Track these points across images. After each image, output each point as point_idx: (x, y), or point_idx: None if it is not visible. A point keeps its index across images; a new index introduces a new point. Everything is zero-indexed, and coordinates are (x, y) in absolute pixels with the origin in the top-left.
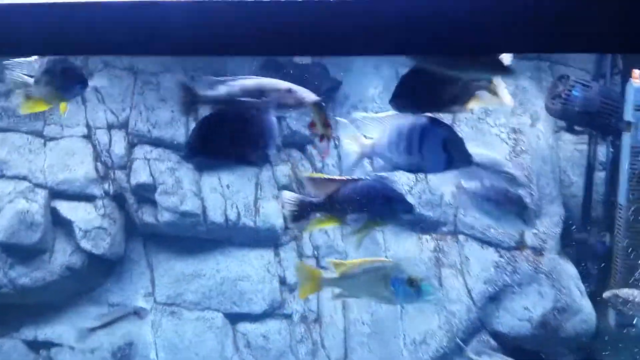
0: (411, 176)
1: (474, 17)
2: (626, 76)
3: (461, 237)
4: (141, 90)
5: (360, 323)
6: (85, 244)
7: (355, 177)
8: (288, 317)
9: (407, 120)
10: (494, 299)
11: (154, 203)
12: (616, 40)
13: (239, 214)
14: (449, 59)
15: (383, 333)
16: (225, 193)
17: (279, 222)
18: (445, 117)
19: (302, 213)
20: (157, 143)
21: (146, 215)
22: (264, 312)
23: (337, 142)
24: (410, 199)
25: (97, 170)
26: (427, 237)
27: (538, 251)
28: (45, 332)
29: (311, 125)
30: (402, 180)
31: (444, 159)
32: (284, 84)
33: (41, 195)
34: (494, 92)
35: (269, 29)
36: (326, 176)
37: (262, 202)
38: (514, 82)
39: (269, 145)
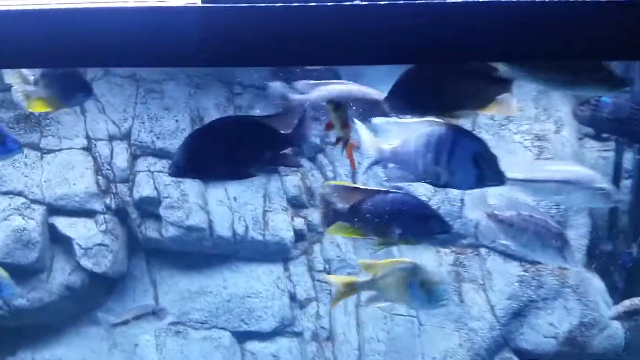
0: (429, 186)
1: (494, 25)
2: None
3: (482, 250)
4: (144, 99)
5: (375, 341)
6: (86, 262)
7: (384, 188)
8: (299, 335)
9: (435, 128)
10: (518, 315)
11: (158, 217)
12: None
13: (246, 227)
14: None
15: (400, 352)
16: (233, 206)
17: (288, 235)
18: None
19: (327, 218)
20: (161, 154)
21: (150, 231)
22: (274, 330)
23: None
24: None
25: (97, 184)
26: (446, 250)
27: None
28: (43, 356)
29: (327, 126)
30: (420, 190)
31: (474, 176)
32: (373, 91)
33: (38, 211)
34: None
35: (279, 38)
36: (353, 185)
37: (271, 214)
38: (536, 87)
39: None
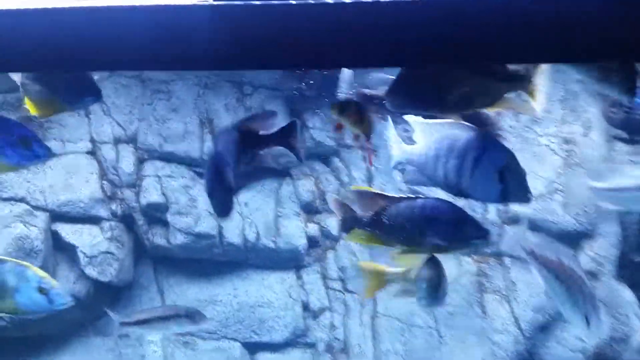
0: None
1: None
2: None
3: (507, 260)
4: (150, 100)
5: (392, 353)
6: (91, 271)
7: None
8: (312, 346)
9: (462, 132)
10: (544, 328)
11: (165, 224)
12: None
13: (257, 233)
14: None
15: None
16: (243, 211)
17: (301, 242)
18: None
19: (346, 225)
20: (169, 158)
21: (157, 238)
22: (286, 341)
23: (365, 154)
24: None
25: (103, 189)
26: (468, 259)
27: (593, 275)
28: None
29: (337, 126)
30: (439, 195)
31: (497, 191)
32: None
33: (41, 218)
34: (531, 95)
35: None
36: (376, 190)
37: (283, 220)
38: (563, 87)
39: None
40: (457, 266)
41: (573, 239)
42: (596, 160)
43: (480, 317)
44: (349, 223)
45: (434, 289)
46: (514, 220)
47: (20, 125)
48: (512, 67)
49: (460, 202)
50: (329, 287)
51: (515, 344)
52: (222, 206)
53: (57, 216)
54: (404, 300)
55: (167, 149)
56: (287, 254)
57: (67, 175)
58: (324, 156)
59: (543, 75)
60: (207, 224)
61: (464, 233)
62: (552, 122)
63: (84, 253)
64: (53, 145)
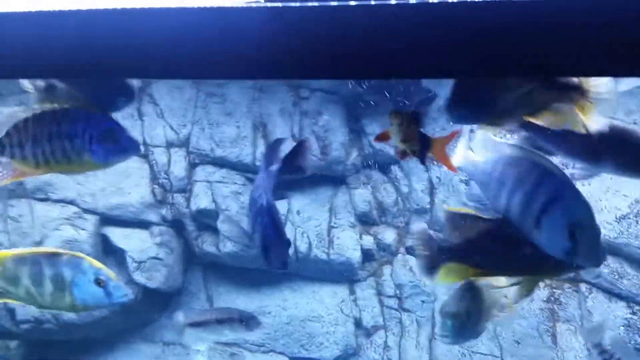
0: None
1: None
2: None
3: (583, 286)
4: (204, 103)
5: None
6: (139, 276)
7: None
8: None
9: (535, 165)
10: None
11: (215, 231)
12: None
13: (310, 244)
14: None
15: None
16: (295, 220)
17: (355, 255)
18: None
19: (434, 260)
20: (221, 163)
21: (207, 245)
22: (336, 358)
23: (427, 164)
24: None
25: (153, 193)
26: (540, 283)
27: None
28: None
29: (379, 138)
30: None
31: (564, 248)
32: None
33: (90, 221)
34: (581, 110)
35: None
36: (472, 211)
37: (337, 231)
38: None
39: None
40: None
41: None
42: None
43: (550, 347)
44: (438, 259)
45: (462, 324)
46: None
47: (107, 117)
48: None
49: None
50: (384, 305)
51: None
52: (281, 260)
53: (107, 220)
54: None
55: (219, 153)
56: (340, 266)
57: (118, 178)
58: (383, 164)
59: (601, 89)
60: None
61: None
62: None
63: (133, 258)
64: None
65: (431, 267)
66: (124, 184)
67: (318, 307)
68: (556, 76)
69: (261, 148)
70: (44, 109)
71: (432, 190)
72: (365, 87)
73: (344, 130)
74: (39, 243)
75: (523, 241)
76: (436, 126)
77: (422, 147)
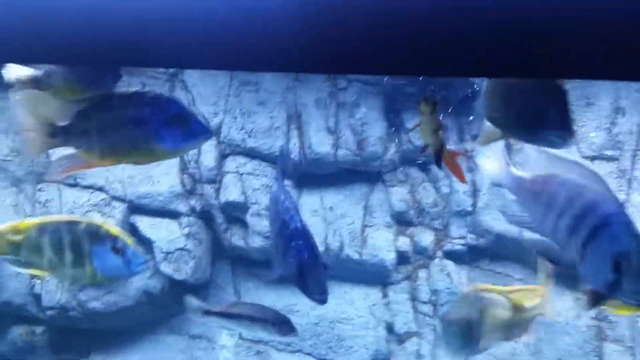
0: None
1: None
2: None
3: None
4: (237, 91)
5: None
6: (166, 268)
7: None
8: None
9: (588, 188)
10: None
11: (244, 224)
12: None
13: (342, 243)
14: None
15: None
16: (328, 217)
17: (390, 257)
18: None
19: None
20: (252, 154)
21: (235, 238)
22: None
23: (471, 162)
24: None
25: (183, 183)
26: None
27: None
28: None
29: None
30: None
31: (608, 280)
32: None
33: (119, 209)
34: None
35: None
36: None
37: (371, 230)
38: None
39: None
40: (573, 306)
41: None
42: None
43: None
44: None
45: (466, 334)
46: None
47: (175, 100)
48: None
49: None
50: (418, 310)
51: None
52: (321, 289)
53: (135, 208)
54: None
55: (251, 144)
56: (372, 268)
57: (148, 166)
58: (423, 162)
59: None
60: None
61: None
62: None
63: (160, 248)
64: None
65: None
66: (153, 172)
67: (348, 309)
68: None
69: (294, 139)
70: (108, 93)
71: (475, 192)
72: (405, 80)
73: (383, 124)
74: None
75: None
76: (480, 124)
77: (439, 149)
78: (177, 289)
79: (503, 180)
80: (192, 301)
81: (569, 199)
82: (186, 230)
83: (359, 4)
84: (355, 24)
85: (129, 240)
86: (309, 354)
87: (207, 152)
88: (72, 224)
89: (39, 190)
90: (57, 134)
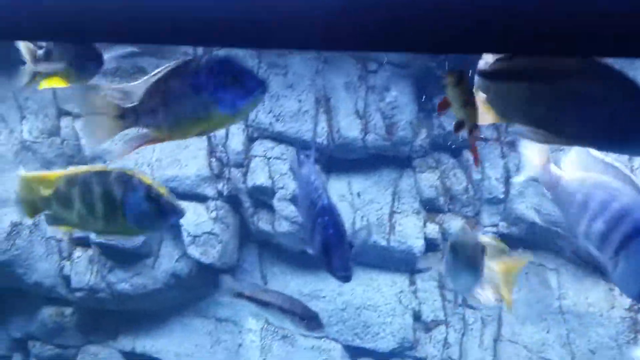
0: None
1: None
2: None
3: None
4: (265, 74)
5: None
6: (194, 251)
7: None
8: None
9: (618, 189)
10: None
11: (271, 209)
12: None
13: (369, 229)
14: None
15: None
16: (355, 202)
17: (418, 244)
18: None
19: None
20: (279, 138)
21: (262, 223)
22: (392, 351)
23: (504, 149)
24: None
25: (210, 167)
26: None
27: None
28: (144, 344)
29: (441, 105)
30: None
31: (638, 288)
32: None
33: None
34: None
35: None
36: None
37: (399, 217)
38: None
39: None
40: (607, 296)
41: None
42: None
43: None
44: None
45: (470, 261)
46: None
47: (227, 61)
48: None
49: None
50: (446, 299)
51: None
52: (344, 266)
53: None
54: (536, 327)
55: (278, 128)
56: (400, 254)
57: (177, 150)
58: (454, 148)
59: None
60: None
61: None
62: None
63: (188, 232)
64: None
65: None
66: (181, 155)
67: (375, 295)
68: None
69: (323, 124)
70: (170, 67)
71: (507, 179)
72: (437, 62)
73: (413, 108)
74: None
75: None
76: None
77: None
78: (204, 273)
79: (540, 176)
80: (227, 281)
81: (605, 201)
82: (213, 214)
83: None
84: None
85: (162, 189)
86: (335, 340)
87: (235, 136)
88: (104, 173)
89: None
90: (126, 116)
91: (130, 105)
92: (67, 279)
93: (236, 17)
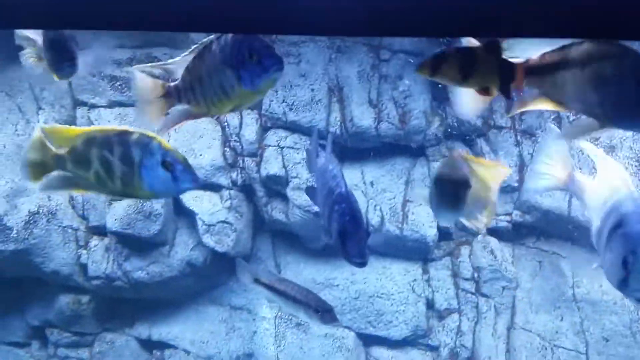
0: None
1: None
2: None
3: None
4: None
5: None
6: (208, 239)
7: None
8: (434, 349)
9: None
10: None
11: (285, 198)
12: None
13: (382, 218)
14: None
15: None
16: (368, 192)
17: (431, 233)
18: None
19: None
20: (293, 128)
21: (276, 212)
22: (405, 339)
23: (519, 137)
24: None
25: (224, 156)
26: None
27: None
28: (160, 332)
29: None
30: None
31: (618, 276)
32: None
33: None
34: None
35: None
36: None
37: (412, 206)
38: None
39: None
40: None
41: None
42: None
43: None
44: None
45: (455, 192)
46: None
47: (248, 40)
48: None
49: None
50: (459, 287)
51: None
52: (360, 252)
53: None
54: (550, 316)
55: (292, 117)
56: (413, 243)
57: (191, 139)
58: (468, 137)
59: None
60: None
61: None
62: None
63: (203, 221)
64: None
65: None
66: (195, 144)
67: (388, 284)
68: None
69: (336, 113)
70: (206, 43)
71: (522, 167)
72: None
73: (427, 97)
74: (112, 201)
75: None
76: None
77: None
78: (219, 261)
79: (569, 186)
80: (245, 266)
81: (626, 220)
82: (228, 204)
83: None
84: None
85: (179, 155)
86: (348, 328)
87: (249, 125)
88: (122, 134)
89: None
90: (170, 94)
91: (172, 83)
92: (84, 268)
93: (248, 2)
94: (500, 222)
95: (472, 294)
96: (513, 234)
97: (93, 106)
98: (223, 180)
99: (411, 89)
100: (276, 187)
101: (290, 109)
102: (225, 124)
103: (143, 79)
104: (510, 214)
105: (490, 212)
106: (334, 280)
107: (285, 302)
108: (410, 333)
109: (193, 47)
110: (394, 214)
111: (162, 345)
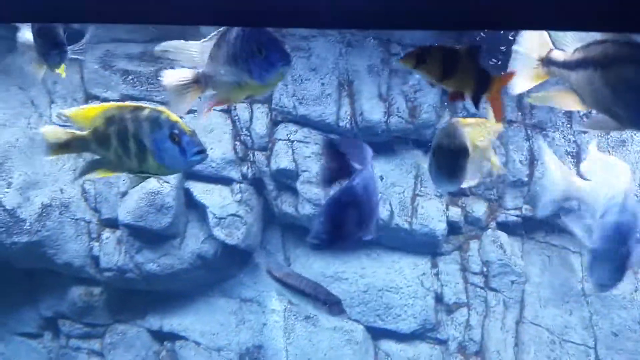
0: None
1: None
2: None
3: None
4: None
5: None
6: (219, 232)
7: None
8: (442, 343)
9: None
10: None
11: (295, 192)
12: None
13: (392, 212)
14: None
15: None
16: (378, 186)
17: (440, 227)
18: None
19: None
20: (303, 122)
21: (286, 205)
22: (413, 332)
23: (529, 131)
24: None
25: (235, 150)
26: None
27: None
28: (171, 323)
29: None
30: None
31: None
32: None
33: (174, 175)
34: None
35: None
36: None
37: (422, 200)
38: None
39: None
40: (631, 279)
41: None
42: None
43: None
44: None
45: (448, 165)
46: None
47: (256, 32)
48: None
49: None
50: (468, 281)
51: None
52: (318, 233)
53: (190, 174)
54: (559, 310)
55: (302, 111)
56: (422, 237)
57: (202, 133)
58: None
59: None
60: None
61: None
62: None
63: (214, 214)
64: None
65: None
66: (206, 138)
67: (397, 277)
68: None
69: (345, 107)
70: (218, 32)
71: (532, 161)
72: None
73: (436, 91)
74: (124, 193)
75: None
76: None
77: (479, 87)
78: (229, 254)
79: (572, 194)
80: (263, 255)
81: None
82: (238, 197)
83: None
84: None
85: (187, 128)
86: (357, 321)
87: (259, 119)
88: (135, 110)
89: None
90: (199, 80)
91: (200, 71)
92: (96, 260)
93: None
94: (509, 216)
95: (481, 288)
96: (522, 228)
97: (105, 100)
98: (233, 173)
99: (421, 83)
100: (286, 180)
101: (301, 103)
102: (236, 117)
103: (171, 71)
104: (519, 209)
105: (494, 165)
106: (343, 273)
107: (294, 295)
108: (419, 327)
109: (208, 37)
110: (403, 208)
111: (173, 337)
